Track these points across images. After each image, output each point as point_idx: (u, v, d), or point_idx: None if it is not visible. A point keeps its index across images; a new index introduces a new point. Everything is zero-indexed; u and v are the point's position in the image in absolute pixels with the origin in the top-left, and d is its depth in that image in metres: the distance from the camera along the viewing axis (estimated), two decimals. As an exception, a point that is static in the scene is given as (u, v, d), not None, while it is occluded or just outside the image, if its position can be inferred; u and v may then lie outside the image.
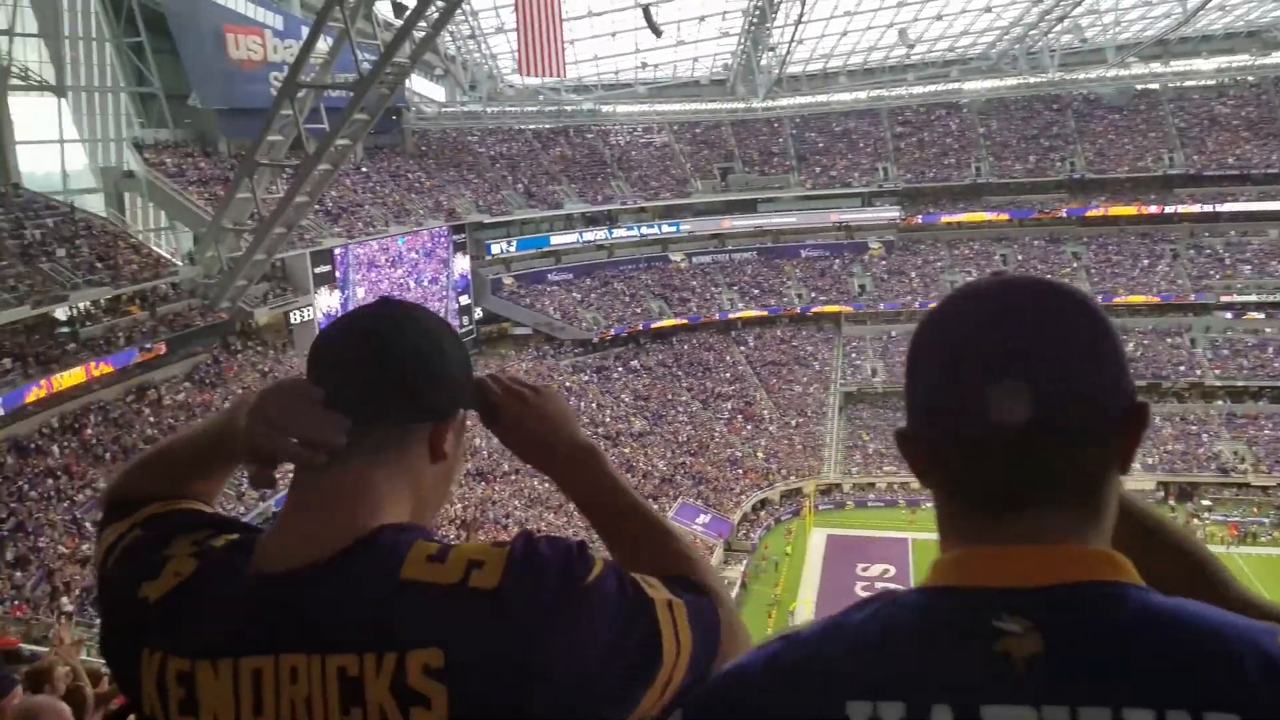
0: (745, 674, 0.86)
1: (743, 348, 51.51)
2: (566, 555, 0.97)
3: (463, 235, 45.18)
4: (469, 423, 1.17)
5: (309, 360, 1.08)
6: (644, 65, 53.02)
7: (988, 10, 49.27)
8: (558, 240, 50.24)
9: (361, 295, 38.81)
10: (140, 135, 37.67)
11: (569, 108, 54.20)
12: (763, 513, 41.46)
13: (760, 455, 44.55)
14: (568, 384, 43.96)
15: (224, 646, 0.96)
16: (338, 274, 38.16)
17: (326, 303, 37.03)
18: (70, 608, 21.52)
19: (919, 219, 54.06)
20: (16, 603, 20.99)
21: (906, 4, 48.43)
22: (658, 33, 43.45)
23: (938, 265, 52.73)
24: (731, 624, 1.08)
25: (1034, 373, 0.80)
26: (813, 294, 52.32)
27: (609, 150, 54.58)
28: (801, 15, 46.56)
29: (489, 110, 51.08)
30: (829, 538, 37.95)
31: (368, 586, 0.93)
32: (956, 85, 56.53)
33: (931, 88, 57.15)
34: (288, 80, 30.54)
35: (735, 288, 52.96)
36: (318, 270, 37.04)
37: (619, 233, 52.60)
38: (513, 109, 52.52)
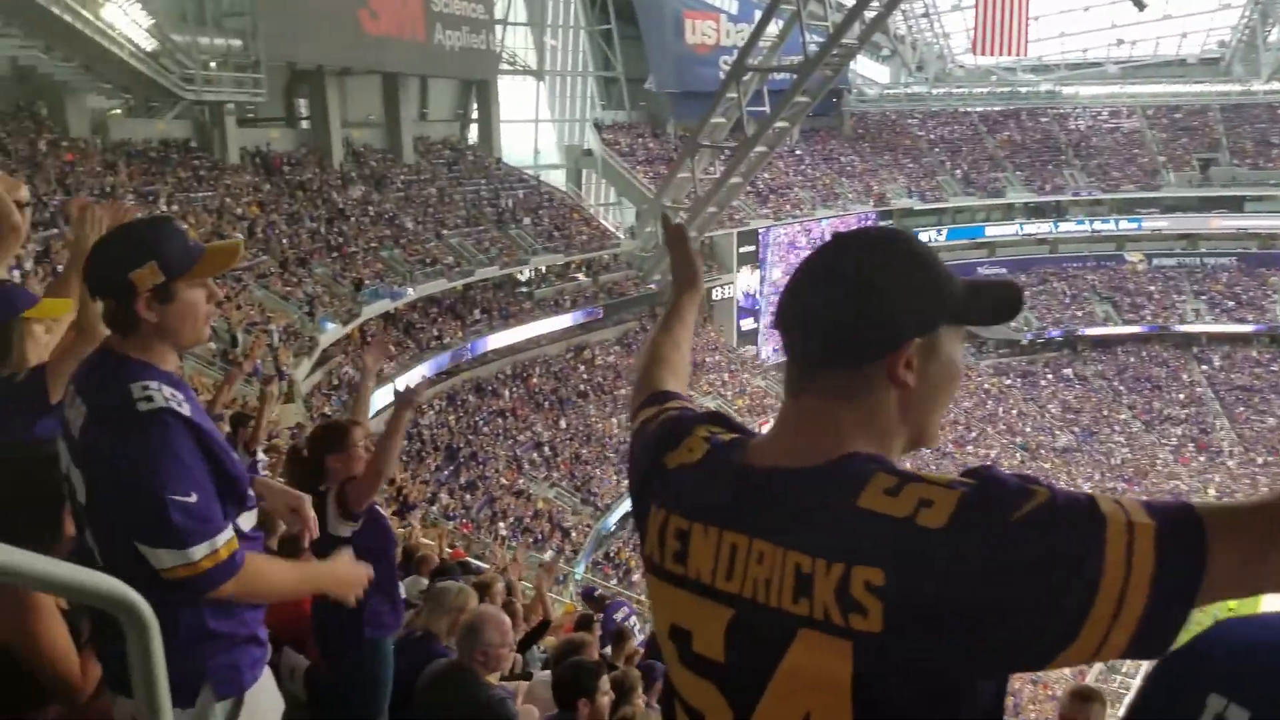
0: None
1: (1205, 367, 45.02)
2: (1014, 496, 0.96)
3: (890, 222, 44.33)
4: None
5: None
6: (1119, 42, 47.98)
7: None
8: (994, 231, 47.38)
9: (777, 277, 39.80)
10: (600, 116, 41.61)
11: (1023, 89, 50.63)
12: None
13: (1212, 492, 38.99)
14: (986, 385, 41.71)
15: (714, 516, 1.12)
16: (760, 254, 39.38)
17: (747, 282, 38.48)
18: (505, 532, 24.65)
19: None
20: (464, 521, 24.44)
21: None
22: (1141, 6, 39.11)
23: None
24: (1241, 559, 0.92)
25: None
26: (1305, 312, 44.31)
27: (1065, 135, 50.15)
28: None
29: (934, 92, 49.32)
30: (1282, 599, 32.46)
31: (829, 503, 1.03)
32: None
33: None
34: (736, 63, 31.85)
35: (1204, 297, 46.31)
36: (742, 250, 38.53)
37: (1066, 226, 48.19)
38: (960, 90, 50.18)
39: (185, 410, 1.91)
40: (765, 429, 1.21)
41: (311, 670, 3.74)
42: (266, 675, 2.18)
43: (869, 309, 1.08)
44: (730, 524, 1.10)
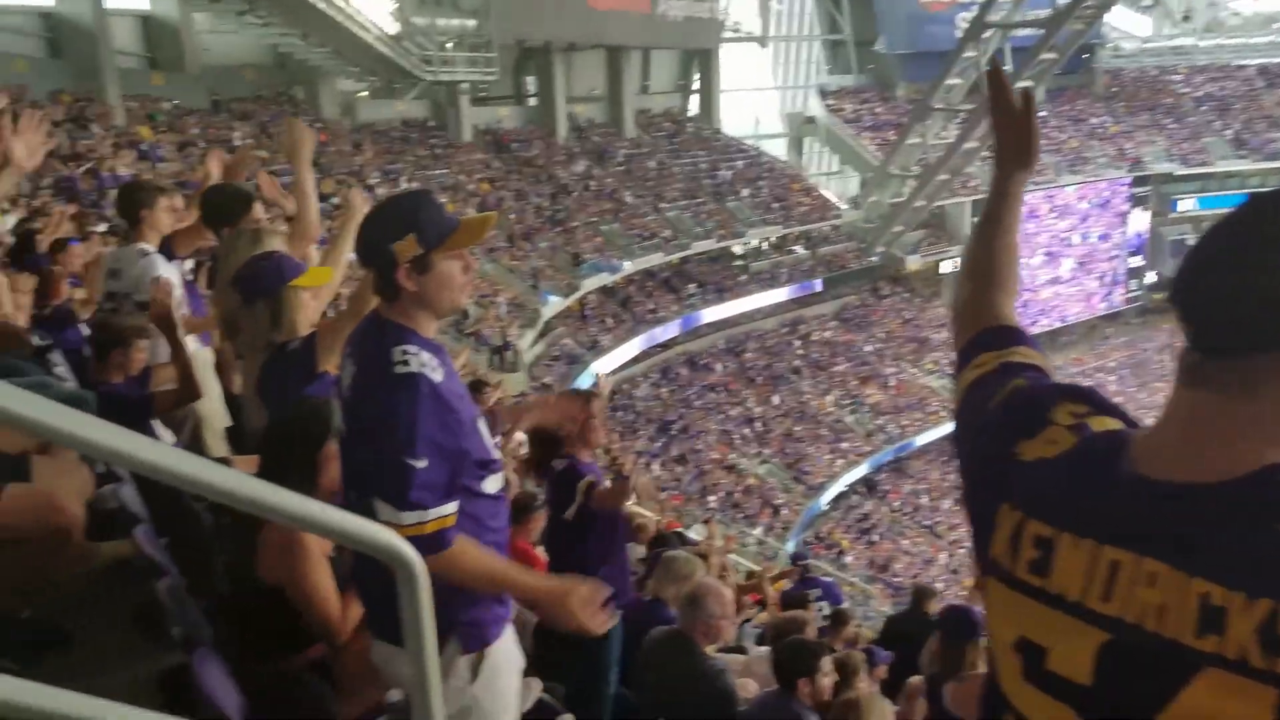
0: None
1: None
2: None
3: (1146, 188, 40.45)
4: None
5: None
6: None
7: None
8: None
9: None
10: (826, 81, 40.28)
11: (1314, 37, 44.67)
12: None
13: None
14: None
15: (1091, 528, 0.99)
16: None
17: (980, 254, 36.31)
18: (715, 506, 24.70)
19: None
20: (676, 493, 24.68)
21: None
22: None
23: None
24: None
25: None
26: None
27: (1363, 89, 43.95)
28: None
29: (1202, 44, 44.36)
30: None
31: (1249, 525, 0.89)
32: None
33: None
34: (975, 20, 30.03)
35: None
36: (975, 220, 36.32)
37: (1359, 192, 42.36)
38: (1234, 41, 44.85)
39: (437, 376, 2.01)
40: (1149, 422, 1.03)
41: (540, 628, 3.87)
42: (509, 633, 2.26)
43: (1275, 292, 0.89)
44: (1114, 539, 0.96)
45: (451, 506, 2.01)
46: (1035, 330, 37.99)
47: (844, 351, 32.49)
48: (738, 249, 33.06)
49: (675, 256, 30.33)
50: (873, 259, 34.39)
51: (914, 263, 35.31)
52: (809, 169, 39.59)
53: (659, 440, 26.66)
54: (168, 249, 4.25)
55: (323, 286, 3.30)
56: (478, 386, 6.57)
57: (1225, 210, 0.98)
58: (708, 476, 26.26)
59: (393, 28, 25.41)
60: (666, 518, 14.30)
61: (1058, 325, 39.28)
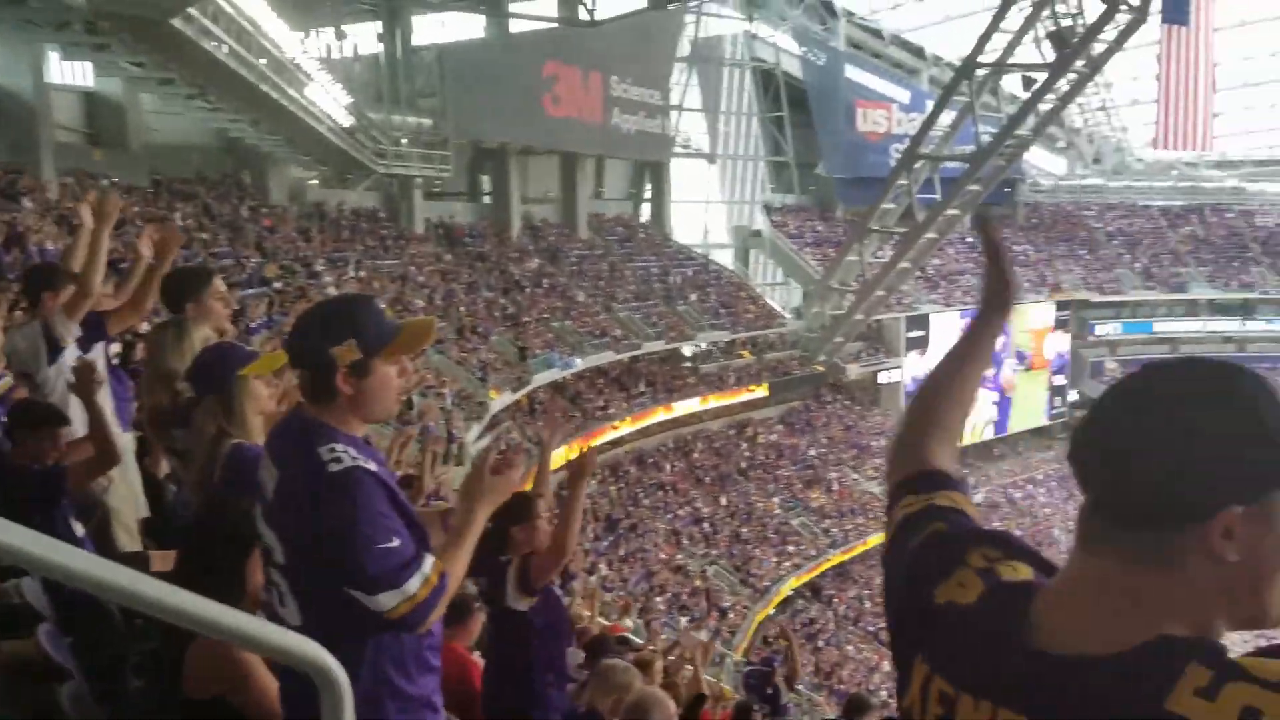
0: None
1: None
2: None
3: (1065, 313, 42.77)
4: None
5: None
6: (1309, 139, 45.74)
7: None
8: (1169, 327, 45.05)
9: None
10: (770, 199, 42.05)
11: (1207, 184, 48.59)
12: None
13: None
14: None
15: (987, 690, 0.98)
16: (928, 339, 38.53)
17: (915, 367, 37.58)
18: (662, 608, 24.24)
19: None
20: (621, 595, 24.16)
21: None
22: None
23: None
24: None
25: None
26: None
27: (1253, 232, 47.65)
28: None
29: (1112, 184, 47.84)
30: None
31: (1131, 704, 0.89)
32: None
33: None
34: (907, 151, 31.88)
35: None
36: (910, 334, 37.81)
37: (1255, 325, 45.50)
38: (1139, 184, 48.52)
39: (372, 466, 2.01)
40: (1048, 583, 1.04)
41: None
42: None
43: (1182, 468, 0.90)
44: (1010, 704, 0.96)
45: (430, 558, 2.02)
46: (970, 441, 39.19)
47: (789, 455, 32.88)
48: (686, 351, 33.56)
49: (626, 355, 30.61)
50: (817, 367, 35.22)
51: (854, 371, 36.34)
52: (755, 279, 40.85)
53: (607, 538, 26.29)
54: (100, 329, 4.03)
55: (278, 374, 3.12)
56: (407, 482, 6.37)
57: (1127, 375, 1.00)
58: (656, 577, 25.89)
59: (347, 120, 25.60)
60: (611, 621, 14.10)
61: (990, 439, 40.58)
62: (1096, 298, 43.56)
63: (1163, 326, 45.23)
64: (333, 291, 23.25)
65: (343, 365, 2.02)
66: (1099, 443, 0.97)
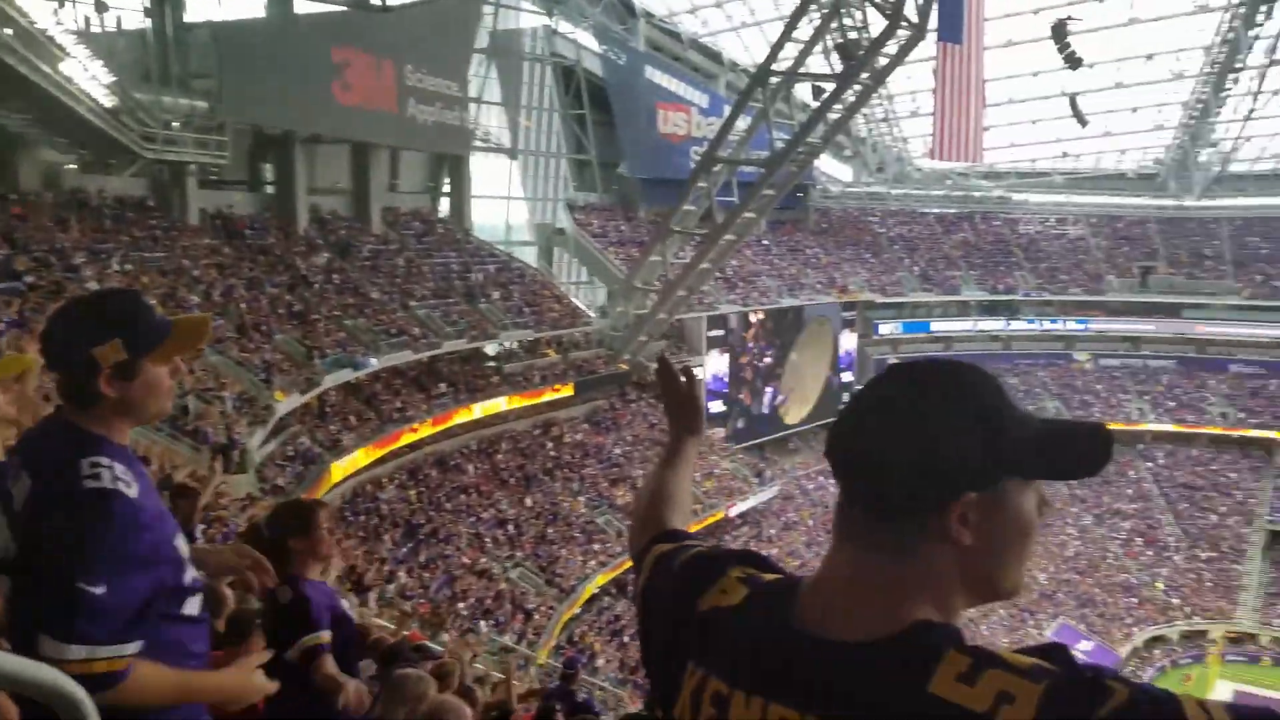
0: None
1: (1149, 464, 46.02)
2: (1097, 694, 0.89)
3: (853, 313, 44.90)
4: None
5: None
6: (1064, 154, 50.23)
7: None
8: (944, 327, 48.46)
9: (745, 361, 39.80)
10: (573, 197, 41.85)
11: (977, 194, 52.52)
12: (1157, 651, 36.67)
13: (1160, 586, 39.43)
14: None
15: (760, 686, 1.01)
16: (730, 339, 39.40)
17: (716, 365, 38.34)
18: (465, 613, 23.47)
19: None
20: (422, 601, 23.23)
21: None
22: (1084, 123, 41.19)
23: None
24: None
25: None
26: (1241, 414, 45.62)
27: (1015, 239, 51.89)
28: (1252, 111, 41.70)
29: (893, 192, 50.84)
30: (1237, 694, 32.34)
31: (896, 689, 0.93)
32: None
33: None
34: (706, 155, 32.44)
35: (1147, 397, 47.59)
36: (711, 334, 38.55)
37: (1018, 325, 49.60)
38: (918, 192, 51.86)
39: (132, 492, 1.81)
40: (810, 575, 1.09)
41: None
42: None
43: (918, 459, 0.99)
44: (779, 696, 1.00)
45: (131, 648, 1.78)
46: (771, 439, 40.36)
47: (595, 453, 32.65)
48: (489, 350, 32.71)
49: (425, 355, 29.44)
50: (621, 365, 35.19)
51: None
52: (559, 277, 40.43)
53: (405, 545, 25.17)
54: None
55: (20, 377, 2.90)
56: (183, 491, 5.79)
57: (871, 378, 1.09)
58: (458, 582, 25.02)
59: (109, 100, 23.28)
60: (411, 629, 13.48)
61: (784, 433, 41.98)
62: (880, 299, 46.05)
63: (939, 326, 48.43)
64: (94, 287, 21.13)
65: (106, 366, 1.84)
66: (846, 441, 1.04)
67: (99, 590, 1.72)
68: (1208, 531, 42.03)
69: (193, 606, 2.00)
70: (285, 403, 23.65)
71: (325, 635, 3.19)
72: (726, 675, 1.05)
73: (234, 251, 28.11)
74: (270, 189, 32.09)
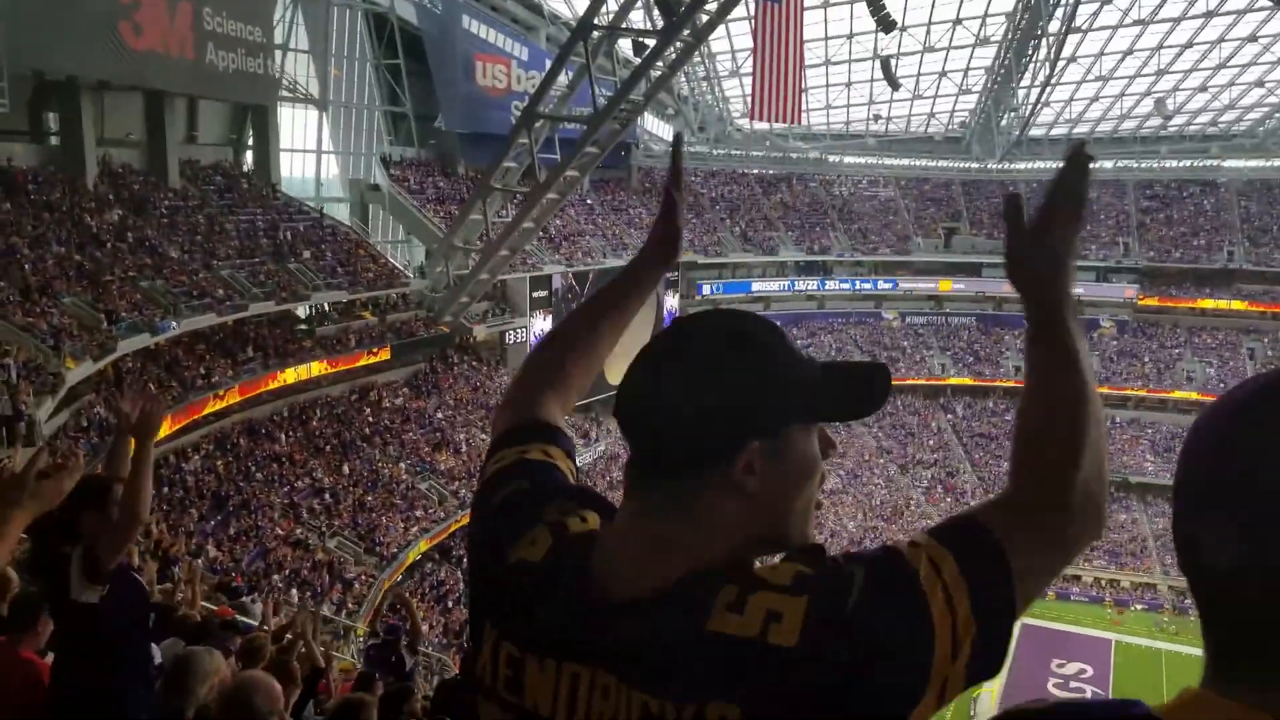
0: None
1: (950, 416, 49.27)
2: (843, 585, 0.92)
3: (675, 274, 45.50)
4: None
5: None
6: (876, 118, 52.28)
7: (1259, 85, 45.49)
8: (761, 287, 49.94)
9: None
10: (388, 152, 40.24)
11: (794, 155, 53.99)
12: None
13: (958, 531, 42.42)
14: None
15: (550, 647, 1.01)
16: (553, 299, 39.22)
17: (540, 326, 38.11)
18: (280, 585, 22.71)
19: (1158, 300, 50.17)
20: (234, 574, 22.27)
21: (1169, 73, 45.41)
22: (895, 86, 42.84)
23: (1175, 351, 48.72)
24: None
25: None
26: (1033, 367, 49.32)
27: (830, 200, 53.87)
28: (1050, 77, 44.47)
29: (715, 153, 51.58)
30: (1023, 627, 35.27)
31: (676, 634, 0.93)
32: (1215, 162, 52.52)
33: (1186, 163, 53.39)
34: (527, 110, 31.82)
35: (949, 352, 50.80)
36: (535, 294, 38.24)
37: (831, 285, 51.73)
38: (738, 153, 52.84)
39: None
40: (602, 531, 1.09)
41: None
42: None
43: (700, 410, 0.98)
44: (570, 656, 1.00)
45: None
46: (597, 399, 40.59)
47: (416, 418, 31.95)
48: (301, 312, 31.29)
49: (230, 318, 27.89)
50: (442, 327, 34.43)
51: (481, 332, 36.06)
52: (375, 236, 38.93)
53: (213, 518, 24.02)
54: None
55: None
56: None
57: (657, 333, 1.05)
58: (272, 554, 24.13)
59: None
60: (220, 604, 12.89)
61: (609, 394, 42.24)
62: (702, 259, 46.87)
63: (759, 286, 49.89)
64: None
65: None
66: (630, 398, 1.03)
67: None
68: (1001, 478, 45.16)
69: None
70: (77, 370, 22.03)
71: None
72: (518, 638, 1.03)
73: (15, 208, 25.74)
74: (55, 140, 29.45)
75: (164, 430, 24.29)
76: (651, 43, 29.51)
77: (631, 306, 1.43)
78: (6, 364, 20.45)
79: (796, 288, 50.96)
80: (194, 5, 30.48)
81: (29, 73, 26.82)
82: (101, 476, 3.37)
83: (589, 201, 45.26)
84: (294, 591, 22.74)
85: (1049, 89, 45.87)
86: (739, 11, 30.23)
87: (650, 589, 0.97)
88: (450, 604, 26.85)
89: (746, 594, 0.93)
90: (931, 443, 47.55)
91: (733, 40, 44.48)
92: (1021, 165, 54.28)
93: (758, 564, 0.99)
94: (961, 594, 0.92)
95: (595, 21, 29.93)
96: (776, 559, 0.99)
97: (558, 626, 1.01)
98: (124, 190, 29.48)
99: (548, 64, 33.87)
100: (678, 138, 1.53)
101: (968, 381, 49.63)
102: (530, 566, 1.06)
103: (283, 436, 28.16)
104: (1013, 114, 50.42)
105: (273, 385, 28.32)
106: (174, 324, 25.48)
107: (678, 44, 29.64)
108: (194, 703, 3.56)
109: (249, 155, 36.03)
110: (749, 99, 42.31)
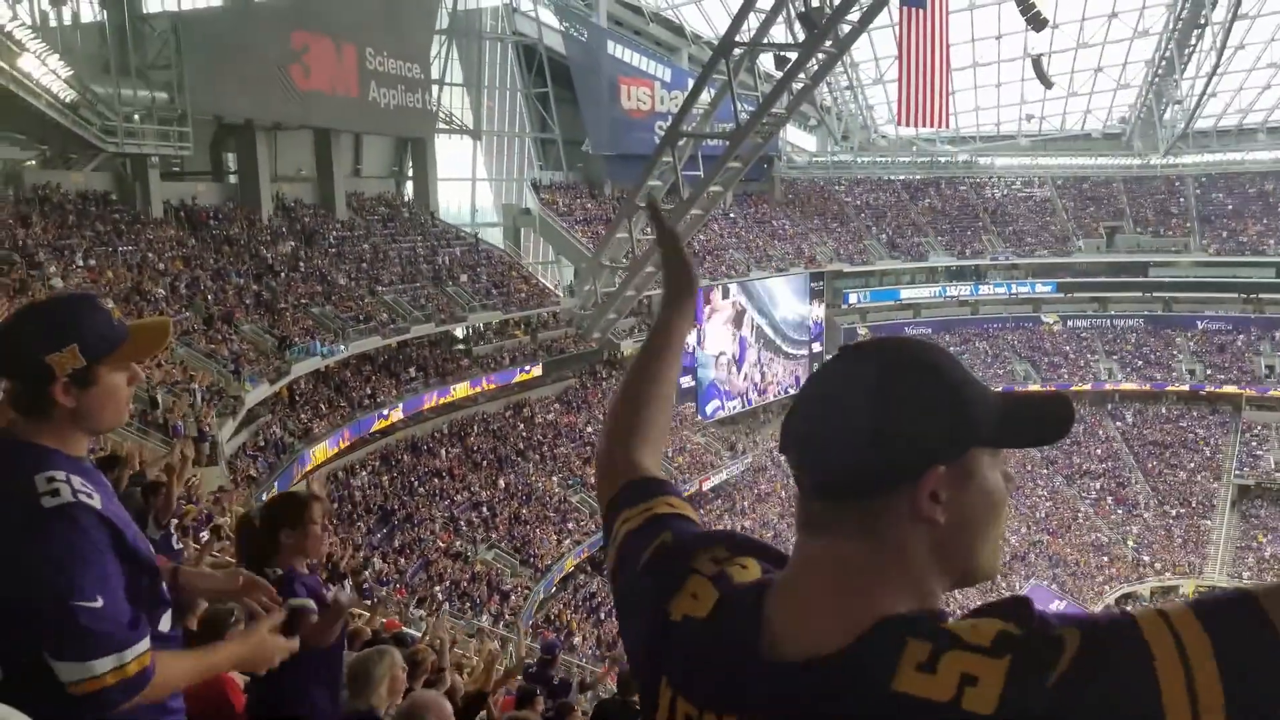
0: None
1: (1119, 423, 46.75)
2: (1050, 650, 0.84)
3: (821, 283, 45.16)
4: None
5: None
6: (1029, 117, 50.48)
7: None
8: (912, 294, 48.83)
9: (712, 332, 40.03)
10: (538, 176, 41.69)
11: (942, 159, 52.66)
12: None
13: (1131, 544, 40.21)
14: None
15: (729, 705, 0.98)
16: (697, 313, 39.47)
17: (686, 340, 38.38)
18: (441, 597, 23.73)
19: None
20: (399, 586, 23.45)
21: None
22: (1048, 84, 41.24)
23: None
24: None
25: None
26: (1208, 371, 46.35)
27: (982, 203, 52.17)
28: (1217, 67, 41.86)
29: (859, 160, 50.90)
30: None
31: (860, 694, 0.88)
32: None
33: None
34: (670, 129, 32.30)
35: (1115, 357, 48.25)
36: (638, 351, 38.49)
37: (986, 289, 50.03)
38: (883, 159, 51.95)
39: (95, 503, 1.77)
40: (779, 575, 1.05)
41: None
42: None
43: (882, 433, 0.95)
44: (748, 714, 0.97)
45: (147, 641, 1.76)
46: (737, 409, 40.61)
47: (567, 433, 32.89)
48: (459, 333, 32.79)
49: (394, 340, 29.51)
50: (591, 344, 35.34)
51: (628, 347, 36.76)
52: (526, 257, 40.41)
53: (380, 531, 25.39)
54: None
55: None
56: (154, 488, 5.57)
57: (825, 362, 1.07)
58: (434, 566, 25.28)
59: (68, 94, 23.11)
60: (388, 616, 13.61)
61: (755, 405, 42.30)
62: (848, 268, 46.30)
63: (908, 293, 48.79)
64: (59, 283, 21.16)
65: (62, 374, 1.78)
66: (801, 425, 1.00)
67: (97, 604, 1.69)
68: (1177, 488, 42.81)
69: (167, 622, 1.97)
70: (254, 393, 23.71)
71: (311, 603, 3.17)
72: (695, 696, 1.01)
73: (199, 243, 28.02)
74: (234, 178, 31.95)
75: (332, 450, 25.93)
76: (793, 56, 29.48)
77: (676, 347, 1.46)
78: (192, 389, 22.21)
79: (949, 294, 49.57)
80: (358, 47, 32.48)
81: (210, 117, 29.21)
82: (299, 494, 3.49)
83: (732, 215, 45.46)
84: (460, 604, 23.71)
85: (1215, 79, 43.16)
86: (882, 19, 29.81)
87: (832, 642, 0.93)
88: (603, 615, 27.43)
89: (940, 652, 0.86)
90: (1099, 452, 45.25)
91: (875, 48, 43.91)
92: (1188, 159, 51.03)
93: (951, 619, 0.93)
94: (1214, 691, 0.78)
95: (736, 39, 30.15)
96: (975, 613, 0.91)
97: (735, 685, 0.98)
98: (296, 223, 31.66)
99: (690, 83, 34.36)
100: (651, 202, 1.70)
101: (1137, 387, 46.98)
102: (698, 624, 1.04)
103: (443, 452, 29.50)
104: (1177, 106, 47.63)
105: (434, 404, 29.73)
106: (342, 347, 27.17)
107: (819, 56, 29.54)
108: (383, 694, 3.84)
109: (409, 185, 38.06)
110: (894, 105, 41.62)
